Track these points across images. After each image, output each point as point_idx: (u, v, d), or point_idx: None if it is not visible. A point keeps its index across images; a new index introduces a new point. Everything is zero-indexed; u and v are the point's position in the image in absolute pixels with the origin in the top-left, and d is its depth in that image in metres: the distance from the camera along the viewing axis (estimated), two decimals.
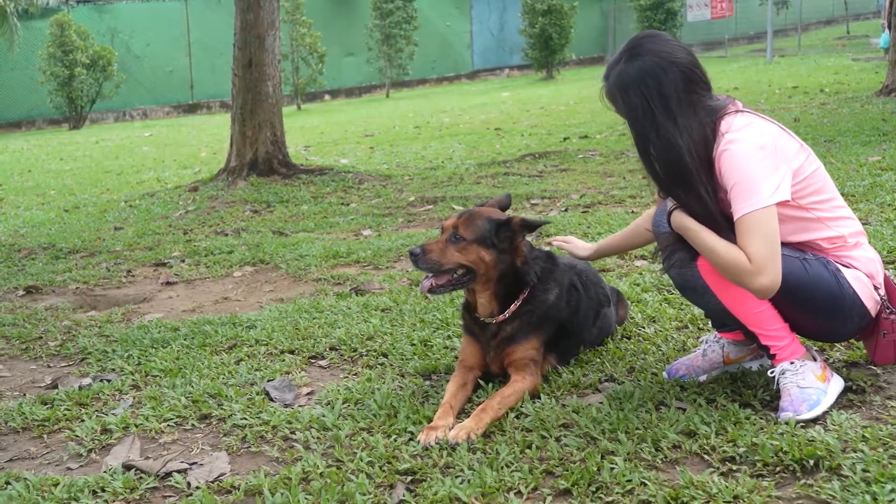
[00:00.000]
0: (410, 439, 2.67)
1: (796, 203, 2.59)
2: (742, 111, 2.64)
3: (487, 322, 3.09)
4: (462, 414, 2.86)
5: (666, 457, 2.43)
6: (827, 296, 2.61)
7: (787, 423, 2.52)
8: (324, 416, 2.89)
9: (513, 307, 3.06)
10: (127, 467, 2.63)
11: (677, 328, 3.56)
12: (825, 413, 2.59)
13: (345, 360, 3.58)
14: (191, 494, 2.45)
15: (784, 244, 2.64)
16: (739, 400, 2.75)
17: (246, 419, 2.95)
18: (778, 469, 2.31)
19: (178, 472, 2.59)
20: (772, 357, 2.69)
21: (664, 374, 3.03)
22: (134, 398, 3.29)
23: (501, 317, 3.06)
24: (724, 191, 2.56)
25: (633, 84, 2.60)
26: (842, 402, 2.68)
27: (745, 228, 2.49)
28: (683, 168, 2.56)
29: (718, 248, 2.55)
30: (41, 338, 4.26)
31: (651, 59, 2.59)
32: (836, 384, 2.70)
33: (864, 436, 2.41)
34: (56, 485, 2.53)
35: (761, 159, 2.50)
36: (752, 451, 2.38)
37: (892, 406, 2.62)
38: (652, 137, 2.59)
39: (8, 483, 2.60)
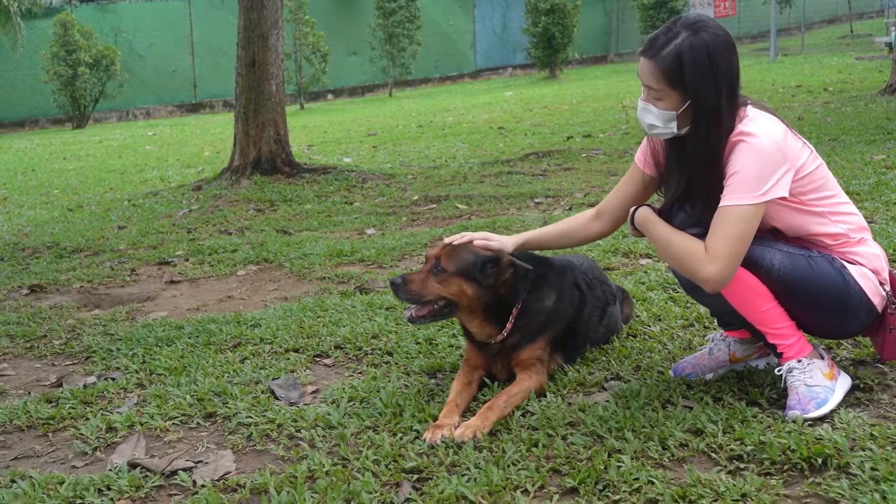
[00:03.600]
0: (416, 438, 2.66)
1: (797, 199, 2.60)
2: (752, 104, 2.64)
3: (487, 343, 3.06)
4: (468, 412, 2.86)
5: (673, 455, 2.42)
6: (832, 292, 2.60)
7: (794, 422, 2.51)
8: (329, 414, 2.88)
9: (509, 325, 3.01)
10: (132, 465, 2.63)
11: (683, 326, 3.55)
12: (833, 411, 2.58)
13: (350, 358, 3.58)
14: (196, 493, 2.45)
15: (789, 242, 2.65)
16: (746, 398, 2.74)
17: (251, 417, 2.94)
18: (786, 467, 2.30)
19: (184, 470, 2.59)
20: (778, 355, 2.69)
21: (670, 372, 3.02)
22: (139, 396, 3.28)
23: (500, 336, 3.03)
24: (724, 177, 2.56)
25: (706, 56, 2.50)
26: (849, 401, 2.67)
27: (722, 218, 2.51)
28: (720, 148, 2.55)
29: (676, 239, 2.60)
30: (46, 336, 4.26)
31: (721, 35, 2.54)
32: (844, 382, 2.69)
33: (872, 434, 2.40)
34: (61, 483, 2.53)
35: (768, 158, 2.49)
36: (760, 450, 2.37)
37: None
38: (708, 115, 2.53)
39: (13, 481, 2.60)
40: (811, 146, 2.67)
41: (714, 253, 2.50)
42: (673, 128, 2.60)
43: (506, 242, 3.01)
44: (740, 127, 2.55)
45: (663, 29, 2.57)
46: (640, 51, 2.60)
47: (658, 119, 2.60)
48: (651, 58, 2.55)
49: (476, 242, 2.98)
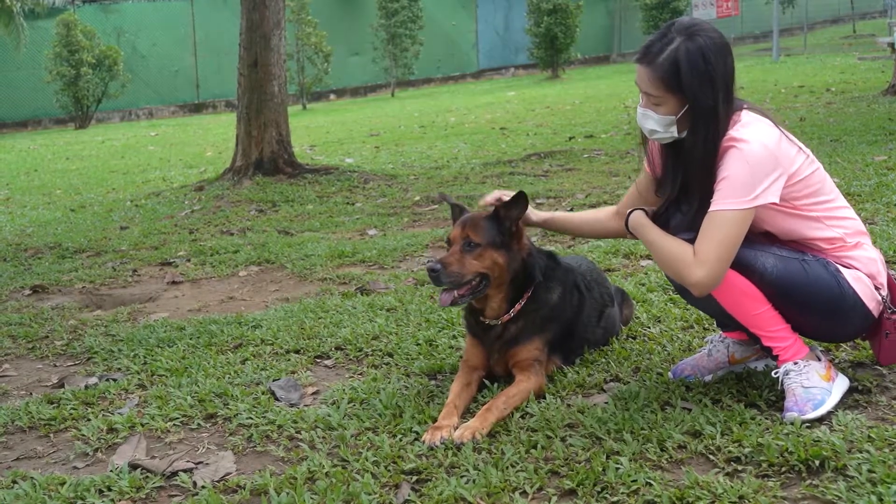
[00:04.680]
0: (416, 439, 2.67)
1: (791, 204, 2.60)
2: (749, 108, 2.64)
3: (492, 324, 3.08)
4: (467, 413, 2.86)
5: (671, 457, 2.43)
6: (826, 296, 2.60)
7: (792, 424, 2.51)
8: (329, 415, 2.89)
9: (518, 306, 3.05)
10: (133, 466, 2.64)
11: (682, 328, 3.56)
12: (830, 413, 2.58)
13: (350, 359, 3.59)
14: (196, 494, 2.46)
15: (783, 246, 2.65)
16: (745, 400, 2.74)
17: (251, 419, 2.95)
18: (783, 469, 2.31)
19: (184, 471, 2.60)
20: (775, 358, 2.69)
21: (669, 374, 3.03)
22: (140, 397, 3.30)
23: (506, 317, 3.05)
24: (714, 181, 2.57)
25: (702, 60, 2.50)
26: (847, 403, 2.68)
27: (710, 222, 2.53)
28: (716, 150, 2.55)
29: (666, 243, 2.62)
30: (47, 337, 4.28)
31: (716, 37, 2.54)
32: (841, 384, 2.69)
33: (869, 436, 2.41)
34: (62, 484, 2.54)
35: (759, 164, 2.50)
36: (758, 452, 2.38)
37: None
38: (706, 118, 2.54)
39: (15, 482, 2.61)
40: (808, 150, 2.67)
41: (702, 257, 2.51)
42: (673, 132, 2.61)
43: (533, 211, 3.11)
44: (732, 132, 2.56)
45: (658, 35, 2.59)
46: (636, 58, 2.62)
47: (658, 124, 2.62)
48: (648, 65, 2.57)
49: (504, 198, 3.04)
